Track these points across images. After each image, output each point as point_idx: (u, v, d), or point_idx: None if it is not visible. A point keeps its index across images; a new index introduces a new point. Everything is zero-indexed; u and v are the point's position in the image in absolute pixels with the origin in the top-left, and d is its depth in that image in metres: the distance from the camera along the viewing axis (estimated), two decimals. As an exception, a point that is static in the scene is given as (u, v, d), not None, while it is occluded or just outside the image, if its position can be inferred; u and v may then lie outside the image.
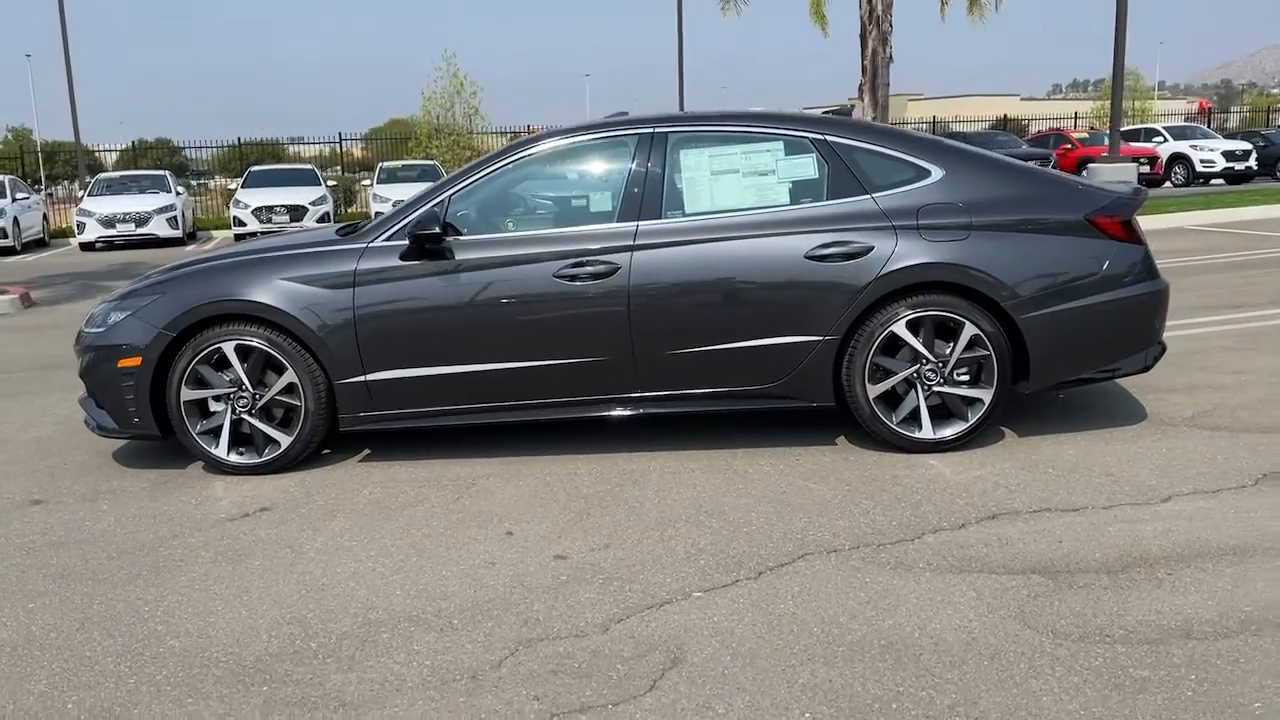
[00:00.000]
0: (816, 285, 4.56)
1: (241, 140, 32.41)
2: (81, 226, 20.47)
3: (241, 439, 4.82)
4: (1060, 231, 4.59)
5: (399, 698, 2.78)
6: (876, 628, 3.05)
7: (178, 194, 21.96)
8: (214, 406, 4.80)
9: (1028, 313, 4.53)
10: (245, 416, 4.77)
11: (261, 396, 4.76)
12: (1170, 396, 5.42)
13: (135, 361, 4.74)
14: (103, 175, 23.74)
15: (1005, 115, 39.66)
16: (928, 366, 4.61)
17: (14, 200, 20.82)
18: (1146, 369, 4.78)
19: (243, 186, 22.11)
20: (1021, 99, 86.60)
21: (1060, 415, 5.18)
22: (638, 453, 4.88)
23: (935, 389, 4.63)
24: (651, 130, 4.79)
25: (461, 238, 4.70)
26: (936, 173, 4.67)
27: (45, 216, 23.27)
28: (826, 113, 5.25)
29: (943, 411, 4.69)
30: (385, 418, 4.79)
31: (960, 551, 3.57)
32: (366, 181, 28.73)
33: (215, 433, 4.80)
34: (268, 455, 4.79)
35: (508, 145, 5.06)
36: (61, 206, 31.65)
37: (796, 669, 2.84)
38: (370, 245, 4.72)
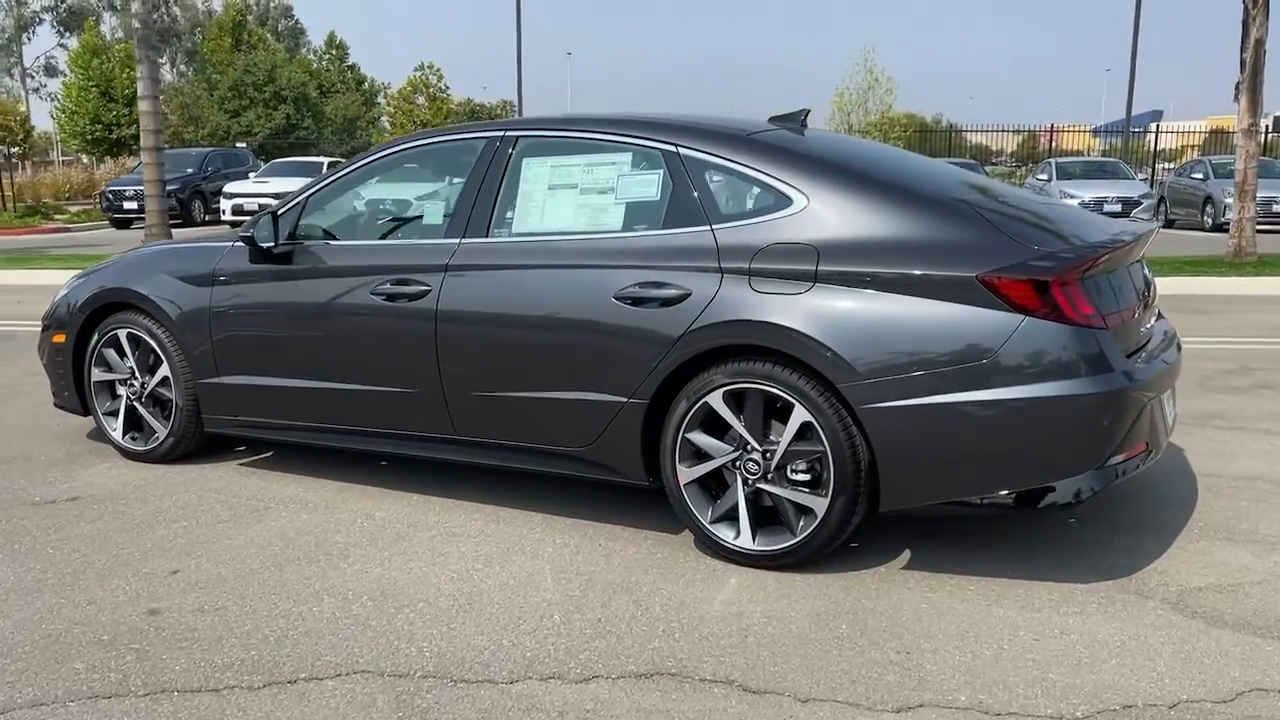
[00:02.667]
0: (622, 334, 3.64)
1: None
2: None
3: (140, 425, 4.89)
4: (941, 294, 3.24)
5: None
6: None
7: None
8: (119, 390, 4.92)
9: (873, 401, 3.27)
10: (135, 404, 4.84)
11: (147, 385, 4.79)
12: (1224, 550, 3.68)
13: (61, 339, 4.99)
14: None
15: None
16: (751, 455, 3.51)
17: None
18: (1069, 504, 3.25)
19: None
20: None
21: (1025, 549, 3.72)
22: (462, 502, 4.27)
23: (758, 485, 3.52)
24: (500, 134, 4.10)
25: (302, 244, 4.36)
26: (799, 201, 3.51)
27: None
28: (773, 119, 4.12)
29: (777, 515, 3.55)
30: (240, 424, 4.61)
31: (498, 714, 2.64)
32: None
33: (118, 414, 4.92)
34: (151, 444, 4.82)
35: (375, 146, 4.62)
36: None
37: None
38: (234, 245, 4.54)
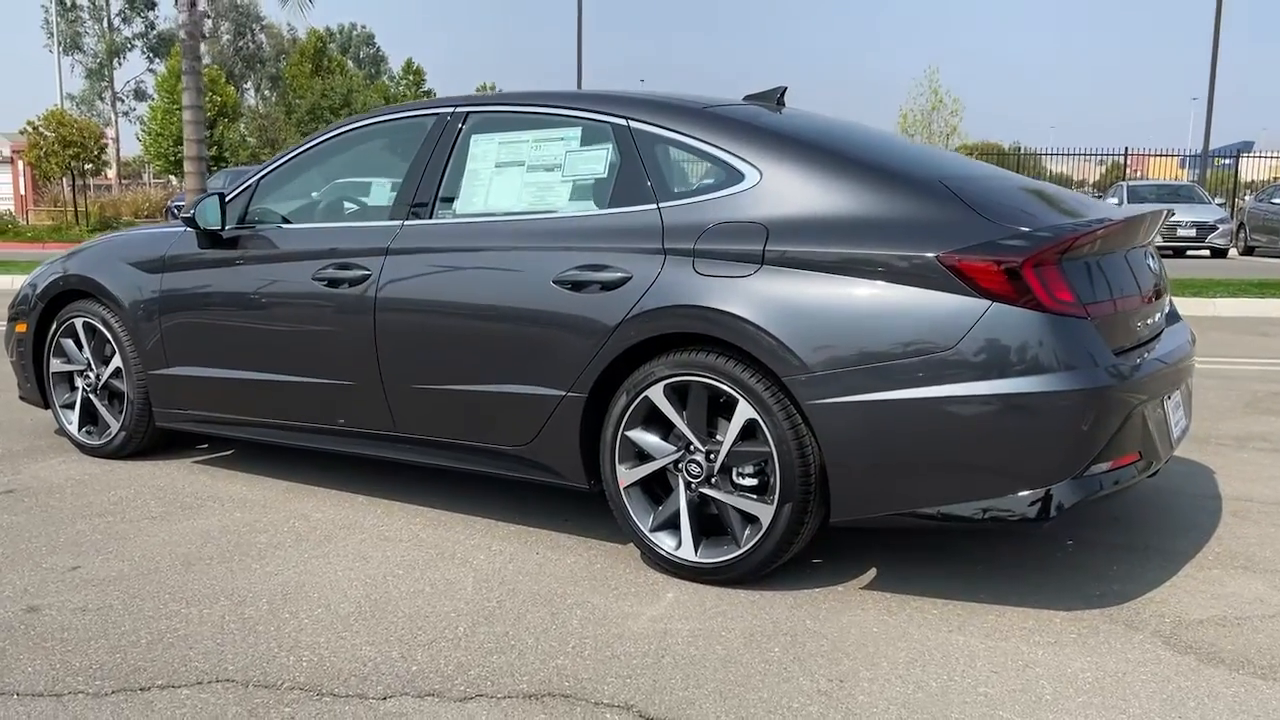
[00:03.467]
0: (560, 321, 3.33)
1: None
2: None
3: (96, 418, 4.70)
4: (898, 277, 2.87)
5: None
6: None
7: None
8: (78, 382, 4.74)
9: (821, 396, 2.90)
10: (90, 396, 4.65)
11: (102, 377, 4.60)
12: (1237, 581, 3.22)
13: (23, 328, 4.83)
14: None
15: None
16: (694, 456, 3.16)
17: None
18: (1037, 519, 2.83)
19: None
20: None
21: (1007, 572, 3.31)
22: (405, 505, 3.98)
23: (700, 489, 3.16)
24: (450, 110, 3.83)
25: (251, 229, 4.14)
26: (751, 176, 3.17)
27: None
28: (748, 97, 3.79)
29: (723, 524, 3.20)
30: (188, 418, 4.38)
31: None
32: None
33: (74, 406, 4.74)
34: (104, 439, 4.62)
35: (328, 125, 4.38)
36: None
37: None
38: (185, 231, 4.33)
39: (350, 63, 66.57)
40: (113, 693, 2.53)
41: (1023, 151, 36.81)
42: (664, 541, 3.22)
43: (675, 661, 2.68)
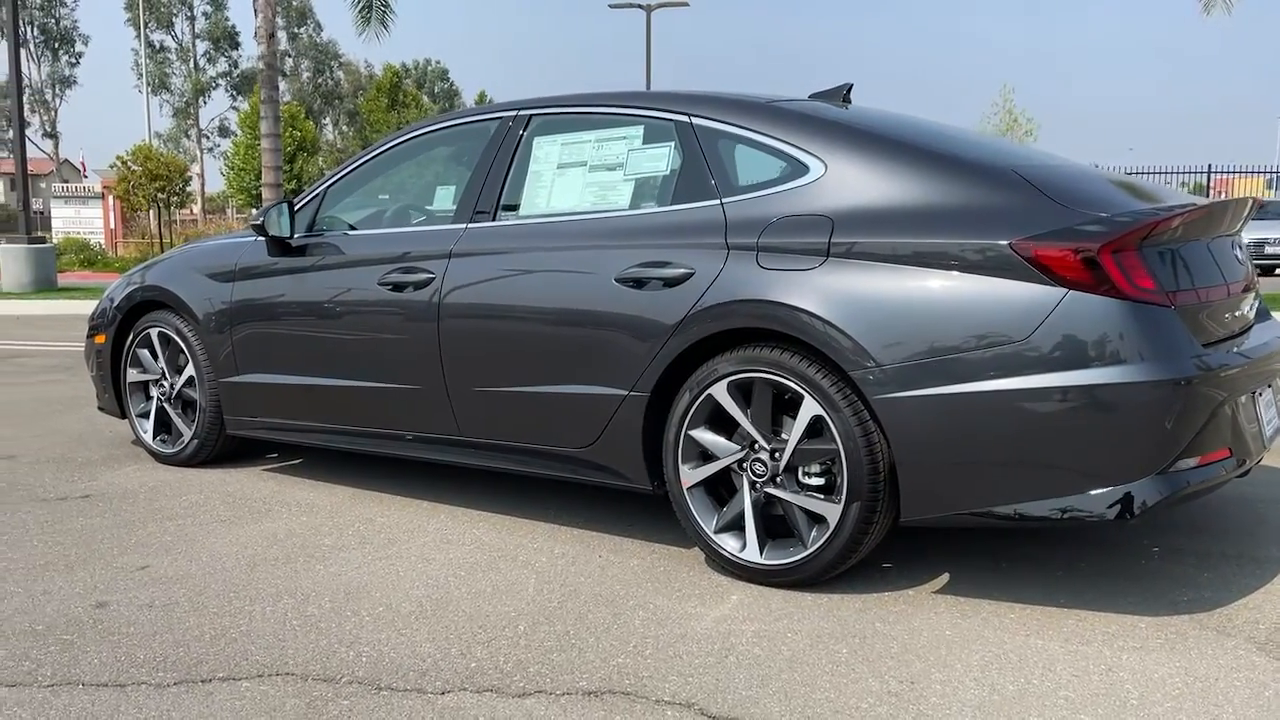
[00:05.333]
0: (622, 319, 3.29)
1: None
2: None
3: (170, 427, 4.77)
4: (969, 266, 2.77)
5: None
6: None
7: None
8: (153, 391, 4.82)
9: (890, 390, 2.81)
10: (164, 405, 4.73)
11: (175, 386, 4.67)
12: (1334, 584, 3.05)
13: (102, 339, 4.94)
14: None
15: None
16: (759, 455, 3.09)
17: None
18: (1119, 518, 2.69)
19: None
20: None
21: (1087, 578, 3.17)
22: (468, 509, 3.96)
23: (765, 489, 3.09)
24: (514, 113, 3.83)
25: (320, 236, 4.18)
26: (815, 169, 3.11)
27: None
28: (813, 96, 3.70)
29: (789, 525, 3.12)
30: (260, 425, 4.42)
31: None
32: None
33: (150, 416, 4.82)
34: (178, 447, 4.69)
35: (391, 133, 4.41)
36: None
37: None
38: (256, 240, 4.39)
39: (425, 97, 67.78)
40: (174, 684, 2.53)
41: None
42: (728, 543, 3.14)
43: (739, 661, 2.60)
